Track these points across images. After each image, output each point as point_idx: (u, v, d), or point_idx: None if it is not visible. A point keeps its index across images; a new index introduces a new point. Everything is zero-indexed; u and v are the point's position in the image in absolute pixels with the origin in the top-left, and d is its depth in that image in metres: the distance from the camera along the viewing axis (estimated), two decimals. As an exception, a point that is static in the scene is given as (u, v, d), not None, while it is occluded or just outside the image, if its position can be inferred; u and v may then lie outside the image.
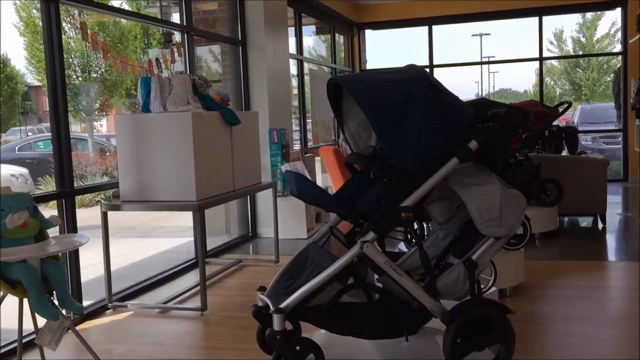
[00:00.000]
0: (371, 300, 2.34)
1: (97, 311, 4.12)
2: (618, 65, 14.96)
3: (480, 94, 36.74)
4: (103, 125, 13.54)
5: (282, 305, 2.26)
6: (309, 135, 8.66)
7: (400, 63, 2.69)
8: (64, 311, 2.66)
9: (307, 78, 8.57)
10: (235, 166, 4.66)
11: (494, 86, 38.78)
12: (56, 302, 2.63)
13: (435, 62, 10.48)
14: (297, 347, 2.29)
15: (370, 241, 2.25)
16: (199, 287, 4.40)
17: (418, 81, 2.30)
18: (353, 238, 2.62)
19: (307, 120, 8.64)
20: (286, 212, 6.28)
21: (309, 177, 6.77)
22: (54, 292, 2.63)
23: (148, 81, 4.22)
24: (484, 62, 10.05)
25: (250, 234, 6.55)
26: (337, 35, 10.03)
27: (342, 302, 2.30)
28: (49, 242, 2.71)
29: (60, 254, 2.69)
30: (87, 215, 6.86)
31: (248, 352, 3.27)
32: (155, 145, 4.12)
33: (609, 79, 29.18)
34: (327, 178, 8.27)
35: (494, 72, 38.57)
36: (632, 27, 9.29)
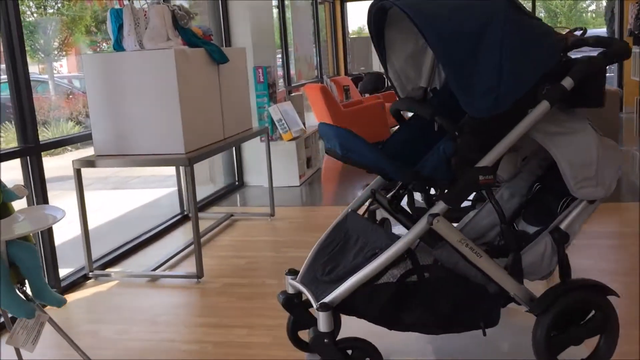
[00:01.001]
0: (438, 286, 1.87)
1: (77, 282, 3.61)
2: None
3: None
4: (63, 66, 12.62)
5: (327, 300, 1.78)
6: (292, 72, 8.04)
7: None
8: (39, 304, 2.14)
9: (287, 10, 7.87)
10: (225, 111, 4.09)
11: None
12: (30, 294, 2.12)
13: None
14: (349, 351, 1.83)
15: (440, 214, 1.76)
16: (190, 249, 3.92)
17: (498, 3, 1.76)
18: (398, 205, 2.13)
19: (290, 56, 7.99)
20: (274, 157, 5.75)
21: (299, 120, 6.22)
22: (26, 282, 2.11)
23: (119, 13, 3.57)
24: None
25: (237, 183, 6.03)
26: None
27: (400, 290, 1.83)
28: (15, 218, 2.16)
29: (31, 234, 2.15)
30: (53, 165, 6.23)
31: (259, 330, 2.83)
32: (132, 89, 3.52)
33: (584, 4, 28.80)
34: (312, 116, 7.73)
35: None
36: None
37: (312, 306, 1.88)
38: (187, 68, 3.57)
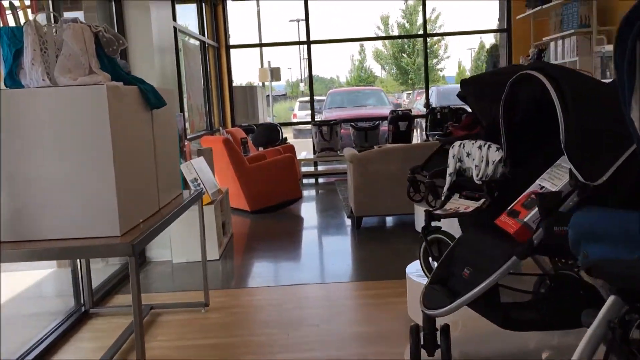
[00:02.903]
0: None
1: None
2: (490, 45, 14.99)
3: (289, 79, 36.39)
4: None
5: None
6: (186, 124, 6.97)
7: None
8: None
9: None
10: (159, 171, 3.02)
11: (304, 72, 38.82)
12: None
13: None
14: None
15: None
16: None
17: None
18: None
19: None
20: (185, 226, 4.66)
21: (214, 179, 5.20)
22: None
23: (16, 34, 2.44)
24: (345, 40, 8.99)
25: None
26: (203, 4, 8.37)
27: None
28: None
29: None
30: None
31: None
32: (37, 143, 2.37)
33: (433, 62, 30.59)
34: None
35: (305, 59, 38.58)
36: (517, 4, 8.99)
37: None
38: (121, 113, 2.50)
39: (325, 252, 5.00)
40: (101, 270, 4.44)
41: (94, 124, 2.35)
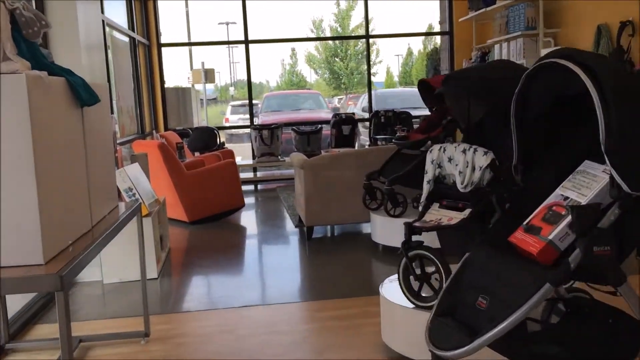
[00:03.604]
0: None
1: None
2: (431, 49, 14.95)
3: (218, 83, 35.46)
4: None
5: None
6: (116, 127, 6.37)
7: None
8: None
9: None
10: (91, 182, 2.52)
11: (234, 75, 38.13)
12: None
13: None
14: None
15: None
16: None
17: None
18: None
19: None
20: (117, 242, 4.12)
21: (151, 188, 4.69)
22: None
23: None
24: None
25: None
26: (132, -4, 7.76)
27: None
28: None
29: None
30: None
31: None
32: None
33: (364, 68, 30.58)
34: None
35: (235, 62, 37.86)
36: (459, 7, 8.87)
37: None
38: (45, 109, 2.00)
39: (275, 267, 4.57)
40: (17, 297, 3.84)
41: (10, 122, 1.85)
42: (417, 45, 33.78)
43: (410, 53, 33.53)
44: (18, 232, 1.88)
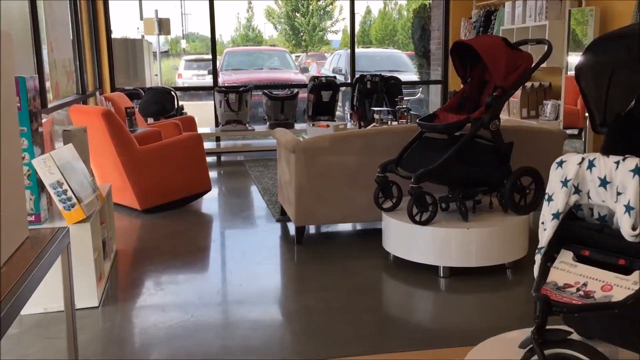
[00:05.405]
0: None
1: None
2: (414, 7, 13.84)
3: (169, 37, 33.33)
4: None
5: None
6: (47, 86, 5.01)
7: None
8: None
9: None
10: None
11: (185, 28, 36.00)
12: None
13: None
14: None
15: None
16: None
17: None
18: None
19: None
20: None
21: (91, 178, 3.46)
22: None
23: None
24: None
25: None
26: None
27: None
28: None
29: None
30: None
31: None
32: None
33: (328, 24, 29.09)
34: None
35: (187, 14, 35.68)
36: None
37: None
38: None
39: (252, 293, 3.44)
40: None
41: None
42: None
43: (368, 11, 32.04)
44: None
